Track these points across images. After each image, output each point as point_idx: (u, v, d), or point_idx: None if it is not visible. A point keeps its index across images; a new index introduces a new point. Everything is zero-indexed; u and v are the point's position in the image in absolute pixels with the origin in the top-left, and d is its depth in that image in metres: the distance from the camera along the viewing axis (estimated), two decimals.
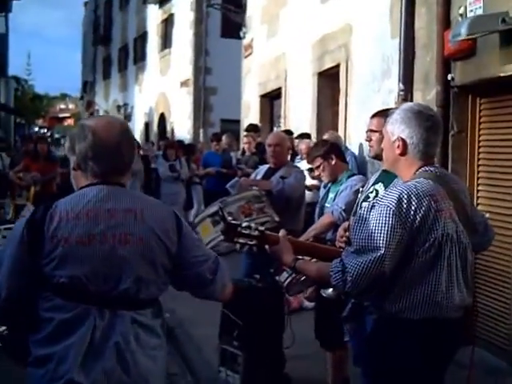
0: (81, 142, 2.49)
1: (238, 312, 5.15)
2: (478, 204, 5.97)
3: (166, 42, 25.18)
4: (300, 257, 3.18)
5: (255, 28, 13.50)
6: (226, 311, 5.24)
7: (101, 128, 2.49)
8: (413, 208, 2.73)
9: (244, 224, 3.16)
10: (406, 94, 6.89)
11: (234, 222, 3.25)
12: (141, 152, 12.25)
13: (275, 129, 12.58)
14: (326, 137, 8.15)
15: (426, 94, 6.65)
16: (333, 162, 5.27)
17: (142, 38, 28.18)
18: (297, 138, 9.40)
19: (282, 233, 3.21)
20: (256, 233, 3.15)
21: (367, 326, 3.17)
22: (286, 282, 4.51)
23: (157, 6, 25.52)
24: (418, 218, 2.73)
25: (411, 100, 6.92)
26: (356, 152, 8.27)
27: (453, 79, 6.23)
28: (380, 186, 4.13)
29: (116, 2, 33.01)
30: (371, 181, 4.31)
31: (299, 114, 10.88)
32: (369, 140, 4.26)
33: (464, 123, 6.25)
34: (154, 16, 26.25)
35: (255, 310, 5.13)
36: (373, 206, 2.79)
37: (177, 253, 2.53)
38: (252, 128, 10.98)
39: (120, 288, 2.41)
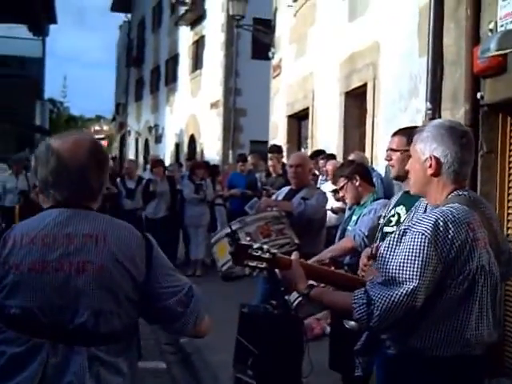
0: (42, 167, 2.31)
1: (253, 340, 4.93)
2: (508, 228, 5.67)
3: (196, 63, 25.24)
4: (314, 283, 2.92)
5: (284, 48, 13.38)
6: (241, 338, 5.02)
7: (65, 150, 2.28)
8: (449, 237, 2.46)
9: (255, 246, 2.90)
10: (434, 113, 6.63)
11: (244, 243, 2.99)
12: (166, 173, 12.07)
13: (302, 150, 12.38)
14: (351, 157, 7.92)
15: (455, 113, 6.39)
16: (357, 184, 5.06)
17: (173, 59, 28.31)
18: (322, 158, 9.17)
19: (294, 256, 2.93)
20: (267, 255, 2.85)
21: (382, 360, 2.90)
22: (296, 303, 4.28)
23: (188, 27, 25.63)
24: (455, 248, 2.47)
25: None
26: (383, 173, 8.00)
27: (482, 97, 5.97)
28: (402, 209, 3.89)
29: (149, 24, 33.27)
30: (392, 203, 4.07)
31: (326, 135, 10.69)
32: (389, 159, 4.02)
33: (494, 143, 5.98)
34: (185, 38, 26.36)
35: (271, 338, 4.90)
36: (404, 233, 2.52)
37: (144, 283, 2.29)
38: (275, 149, 10.75)
39: (76, 321, 2.19)
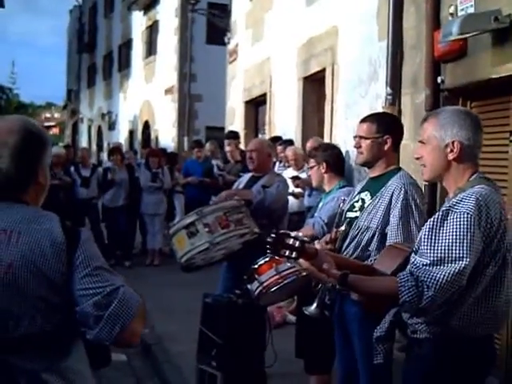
0: None
1: (217, 330, 4.84)
2: None
3: (150, 48, 24.92)
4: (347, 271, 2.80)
5: (240, 33, 13.23)
6: (204, 329, 4.92)
7: None
8: (491, 215, 2.54)
9: (293, 234, 2.73)
10: (394, 98, 6.62)
11: (282, 231, 2.76)
12: (125, 161, 11.85)
13: (260, 136, 12.29)
14: (309, 143, 7.88)
15: (415, 98, 6.38)
16: (322, 171, 4.97)
17: (126, 45, 27.91)
18: (280, 144, 9.09)
19: (318, 245, 2.89)
20: (297, 244, 2.65)
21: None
22: (257, 292, 4.18)
23: (141, 12, 25.26)
24: (494, 228, 2.55)
25: (399, 105, 6.64)
26: None
27: (443, 82, 5.96)
28: (366, 195, 3.86)
29: (101, 9, 32.72)
30: (357, 189, 4.02)
31: (284, 121, 10.61)
32: (358, 146, 3.95)
33: None
34: (138, 23, 25.99)
35: (234, 328, 4.82)
36: (447, 214, 2.55)
37: (64, 285, 2.08)
38: (232, 135, 10.65)
39: None
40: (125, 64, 28.15)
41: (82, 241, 2.13)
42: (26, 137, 2.15)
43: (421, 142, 2.86)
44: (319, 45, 9.11)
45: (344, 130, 8.11)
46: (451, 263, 2.47)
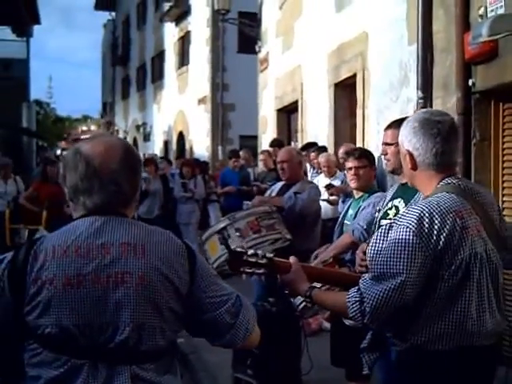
0: (71, 172, 2.13)
1: None
2: (503, 215, 5.60)
3: (183, 59, 25.09)
4: (316, 284, 2.85)
5: (270, 41, 13.29)
6: None
7: (97, 155, 2.11)
8: (436, 227, 2.42)
9: (250, 252, 2.82)
10: (426, 102, 6.56)
11: (238, 249, 2.90)
12: (159, 171, 11.96)
13: (292, 144, 12.30)
14: (341, 150, 7.85)
15: (446, 102, 6.32)
16: (373, 174, 4.96)
17: (159, 56, 28.15)
18: (313, 151, 9.08)
19: (292, 259, 2.86)
20: (264, 260, 2.80)
21: (390, 357, 2.82)
22: (301, 306, 4.18)
23: (173, 24, 25.47)
24: (442, 239, 2.42)
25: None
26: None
27: (474, 84, 5.90)
28: (400, 202, 3.81)
29: (133, 21, 33.07)
30: (388, 196, 3.99)
31: (316, 128, 10.61)
32: (384, 154, 3.94)
33: (487, 130, 5.91)
34: (170, 34, 26.19)
35: (269, 337, 4.80)
36: (390, 227, 2.49)
37: (188, 294, 2.11)
38: (277, 143, 10.62)
39: (117, 338, 2.01)
40: (158, 75, 28.40)
41: (197, 252, 2.20)
42: (129, 155, 2.18)
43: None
44: (349, 51, 9.10)
45: (376, 136, 8.07)
46: (389, 279, 2.39)
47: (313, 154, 9.02)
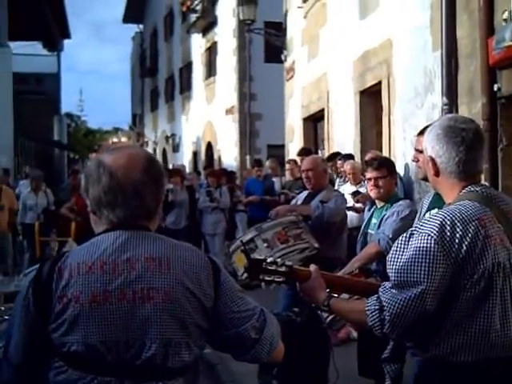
0: (94, 185, 2.09)
1: None
2: None
3: (210, 70, 25.19)
4: (335, 294, 2.82)
5: (296, 50, 13.30)
6: None
7: (120, 167, 2.06)
8: (458, 235, 2.37)
9: (269, 259, 2.80)
10: (451, 108, 6.50)
11: (257, 257, 2.88)
12: (185, 182, 11.99)
13: (319, 152, 12.27)
14: (368, 157, 7.80)
15: (472, 107, 6.26)
16: (393, 182, 4.92)
17: (187, 67, 28.30)
18: (340, 159, 9.04)
19: (312, 267, 2.83)
20: (283, 268, 2.77)
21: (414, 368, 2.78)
22: (330, 318, 4.14)
23: (200, 35, 25.60)
24: (464, 247, 2.36)
25: None
26: (401, 173, 7.86)
27: (499, 89, 5.83)
28: None
29: (161, 33, 33.31)
30: (424, 206, 3.91)
31: (342, 135, 10.57)
32: (416, 160, 3.90)
33: None
34: (197, 45, 26.33)
35: (295, 347, 4.78)
36: (411, 235, 2.44)
37: (213, 309, 2.08)
38: (304, 152, 10.59)
39: (144, 355, 1.98)
40: (186, 86, 28.55)
41: (221, 267, 2.16)
42: (153, 168, 2.13)
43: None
44: (374, 58, 9.06)
45: (402, 143, 8.03)
46: (409, 287, 2.35)
47: (339, 162, 8.98)
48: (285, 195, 10.05)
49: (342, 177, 8.99)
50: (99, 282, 1.99)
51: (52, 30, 29.47)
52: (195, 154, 27.30)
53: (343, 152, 9.65)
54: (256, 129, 21.43)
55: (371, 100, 9.61)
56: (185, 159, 27.99)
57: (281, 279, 2.77)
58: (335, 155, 9.54)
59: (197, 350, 2.07)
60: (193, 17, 25.18)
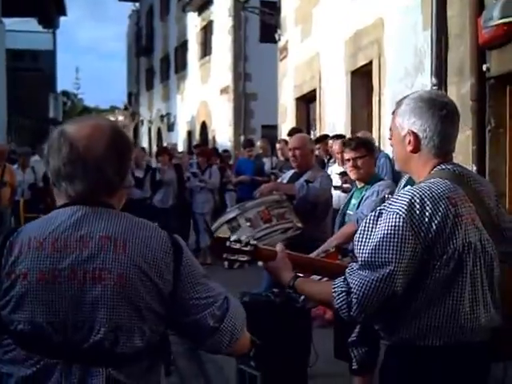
0: (54, 155, 1.97)
1: (255, 330, 4.75)
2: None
3: (205, 49, 25.02)
4: (301, 274, 2.73)
5: (290, 29, 13.16)
6: None
7: (82, 137, 1.95)
8: (427, 214, 2.26)
9: (233, 238, 2.72)
10: (440, 88, 6.42)
11: (221, 236, 2.80)
12: (173, 161, 11.88)
13: (311, 133, 12.16)
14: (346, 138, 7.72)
15: (461, 88, 6.17)
16: (373, 162, 4.84)
17: (182, 46, 28.11)
18: (331, 138, 8.94)
19: (279, 247, 2.73)
20: (248, 247, 2.67)
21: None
22: (302, 297, 4.07)
23: (196, 13, 25.38)
24: (434, 226, 2.26)
25: None
26: (391, 154, 7.77)
27: (488, 70, 5.75)
28: None
29: (157, 12, 33.05)
30: (401, 185, 3.85)
31: (334, 116, 10.47)
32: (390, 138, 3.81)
33: (502, 117, 5.76)
34: (193, 24, 26.13)
35: (273, 328, 4.72)
36: (380, 214, 2.32)
37: (172, 294, 1.96)
38: (295, 132, 10.48)
39: (92, 338, 1.89)
40: (181, 66, 28.37)
41: (184, 248, 2.02)
42: (119, 141, 2.02)
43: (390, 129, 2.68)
44: (366, 37, 8.95)
45: None
46: (378, 268, 2.23)
47: (330, 142, 8.89)
48: (275, 175, 9.97)
49: (332, 157, 8.91)
50: (49, 259, 1.90)
51: (47, 6, 29.18)
52: (190, 134, 27.20)
53: (334, 132, 9.56)
54: (251, 109, 21.32)
55: (362, 80, 9.52)
56: (179, 139, 27.88)
57: (245, 258, 2.68)
58: (324, 137, 9.45)
59: (152, 336, 1.96)
60: None
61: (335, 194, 7.00)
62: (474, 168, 5.63)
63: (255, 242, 2.71)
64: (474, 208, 2.39)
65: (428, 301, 2.32)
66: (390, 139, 3.75)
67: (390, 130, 3.77)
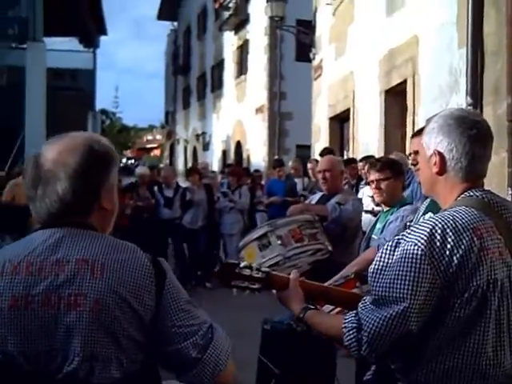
0: (26, 178, 1.90)
1: (276, 359, 4.54)
2: None
3: (241, 68, 25.00)
4: (312, 306, 2.52)
5: (324, 48, 13.00)
6: (262, 357, 4.64)
7: (48, 159, 1.86)
8: (449, 246, 2.03)
9: (243, 264, 2.52)
10: (475, 108, 6.15)
11: (230, 261, 2.61)
12: (204, 180, 11.74)
13: (345, 153, 11.95)
14: (373, 160, 7.49)
15: (497, 108, 5.90)
16: (400, 185, 4.62)
17: (218, 65, 28.17)
18: (361, 160, 8.72)
19: (293, 274, 2.53)
20: (259, 274, 2.49)
21: None
22: None
23: (232, 32, 25.42)
24: (455, 260, 2.03)
25: None
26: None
27: None
28: None
29: (194, 31, 33.25)
30: (421, 211, 3.61)
31: (367, 137, 10.23)
32: (415, 163, 3.59)
33: None
34: (229, 43, 26.18)
35: (294, 358, 4.50)
36: (397, 243, 2.11)
37: (153, 321, 1.84)
38: (326, 152, 10.28)
39: (66, 369, 1.77)
40: (217, 84, 28.40)
41: (168, 272, 1.91)
42: (87, 157, 1.89)
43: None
44: (400, 56, 8.72)
45: None
46: (391, 304, 2.03)
47: (360, 164, 8.66)
48: (304, 197, 9.76)
49: (362, 179, 8.69)
50: (22, 284, 1.79)
51: (88, 26, 29.56)
52: (224, 153, 27.13)
53: (368, 153, 9.34)
54: (286, 128, 21.16)
55: (396, 100, 9.27)
56: (214, 158, 27.87)
57: (256, 286, 2.49)
58: (352, 161, 9.25)
59: (131, 365, 1.82)
60: (225, 14, 25.00)
61: (366, 217, 6.78)
62: (510, 192, 5.37)
63: (267, 269, 2.53)
64: (504, 241, 2.14)
65: (447, 342, 2.09)
66: (414, 165, 3.53)
67: (410, 154, 3.54)
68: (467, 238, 2.06)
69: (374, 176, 4.61)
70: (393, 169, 4.60)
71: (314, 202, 6.00)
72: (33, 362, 1.77)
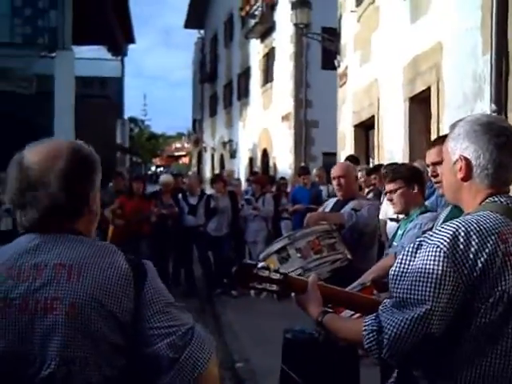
0: (10, 184, 1.92)
1: (298, 369, 4.52)
2: None
3: (267, 76, 24.98)
4: (331, 310, 2.49)
5: (349, 55, 12.96)
6: (285, 367, 4.62)
7: (34, 163, 1.89)
8: (472, 249, 2.00)
9: (261, 265, 2.50)
10: (500, 115, 6.07)
11: (248, 261, 2.57)
12: (228, 188, 11.76)
13: (371, 160, 11.89)
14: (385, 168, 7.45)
15: None
16: (414, 192, 4.58)
17: (245, 73, 28.19)
18: (385, 167, 8.65)
19: (311, 278, 2.51)
20: (277, 276, 2.45)
21: None
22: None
23: (258, 40, 25.44)
24: (480, 264, 1.99)
25: None
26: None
27: None
28: None
29: (221, 39, 33.35)
30: (441, 218, 3.57)
31: (392, 144, 10.17)
32: (435, 175, 3.55)
33: None
34: (256, 51, 26.18)
35: (316, 367, 4.48)
36: (419, 246, 2.08)
37: (131, 323, 1.83)
38: (351, 160, 10.25)
39: (43, 373, 1.77)
40: (244, 92, 28.43)
41: (149, 274, 1.91)
42: (74, 160, 1.92)
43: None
44: (424, 63, 8.67)
45: None
46: (413, 307, 1.99)
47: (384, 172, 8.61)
48: None
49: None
50: (1, 288, 1.82)
51: (116, 34, 29.83)
52: (251, 161, 27.13)
53: (392, 160, 9.27)
54: (312, 136, 21.09)
55: (421, 107, 9.21)
56: (241, 166, 27.89)
57: (274, 288, 2.46)
58: (380, 167, 9.18)
59: (109, 370, 1.82)
60: (251, 22, 25.02)
61: (391, 225, 6.74)
62: None
63: (286, 271, 2.51)
64: None
65: (471, 350, 2.05)
66: (434, 176, 3.47)
67: (429, 166, 3.47)
68: (492, 242, 2.03)
69: (387, 187, 4.62)
70: (403, 177, 4.58)
71: (328, 207, 6.00)
72: (9, 365, 1.78)
